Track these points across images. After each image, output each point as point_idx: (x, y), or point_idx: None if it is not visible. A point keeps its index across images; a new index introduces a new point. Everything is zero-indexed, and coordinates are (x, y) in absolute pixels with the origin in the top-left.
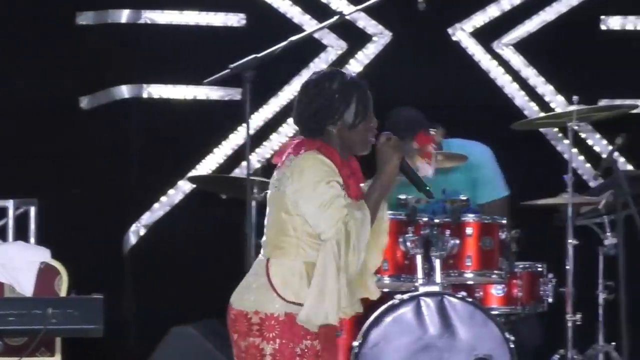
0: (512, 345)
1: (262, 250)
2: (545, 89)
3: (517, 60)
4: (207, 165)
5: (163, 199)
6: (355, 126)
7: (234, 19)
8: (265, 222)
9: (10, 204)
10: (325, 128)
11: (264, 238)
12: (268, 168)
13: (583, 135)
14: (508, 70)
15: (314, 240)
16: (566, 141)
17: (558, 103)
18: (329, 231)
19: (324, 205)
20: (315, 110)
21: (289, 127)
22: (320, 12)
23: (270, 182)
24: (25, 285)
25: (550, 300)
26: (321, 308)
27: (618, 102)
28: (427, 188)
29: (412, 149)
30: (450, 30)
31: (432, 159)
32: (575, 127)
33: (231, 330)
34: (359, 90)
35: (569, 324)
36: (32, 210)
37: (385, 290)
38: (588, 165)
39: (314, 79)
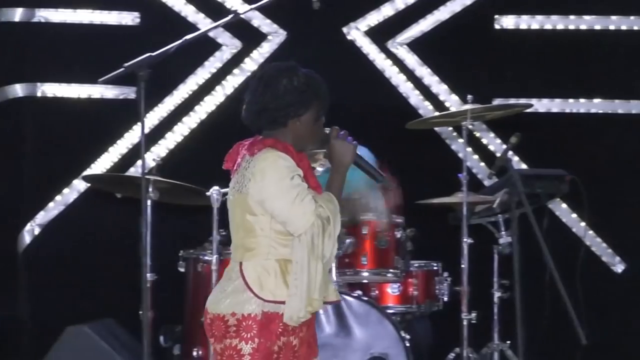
0: (407, 344)
1: (232, 256)
2: (440, 88)
3: (411, 60)
4: (102, 164)
5: (58, 198)
6: (318, 120)
7: (128, 18)
8: (230, 227)
9: None
10: (288, 122)
11: (232, 243)
12: (163, 167)
13: (477, 134)
14: (402, 70)
15: (284, 237)
16: (461, 140)
17: (452, 102)
18: (304, 226)
19: (294, 201)
20: (287, 104)
21: (183, 126)
22: (215, 10)
23: (230, 186)
24: None
25: (445, 299)
26: (302, 304)
27: (512, 101)
28: (383, 176)
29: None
30: (344, 29)
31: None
32: (470, 126)
33: (208, 335)
34: (323, 85)
35: (464, 323)
36: None
37: None
38: (482, 164)
39: (280, 72)
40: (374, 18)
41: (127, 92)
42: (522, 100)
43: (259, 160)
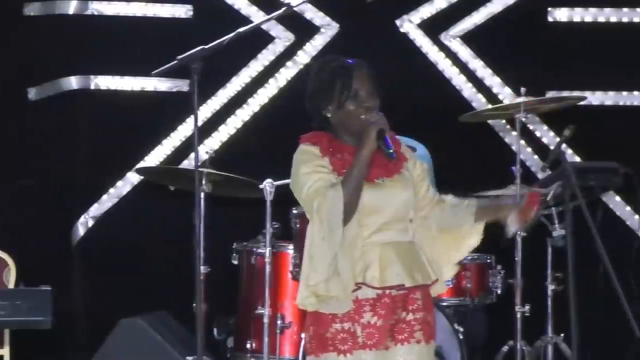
0: (461, 337)
1: None
2: (493, 81)
3: (464, 52)
4: (155, 157)
5: (111, 190)
6: (342, 106)
7: (181, 10)
8: None
9: None
10: (321, 113)
11: None
12: (216, 160)
13: (531, 127)
14: (455, 62)
15: None
16: (514, 133)
17: (505, 95)
18: (307, 211)
19: (299, 189)
20: (309, 96)
21: (236, 119)
22: (268, 3)
23: None
24: None
25: (499, 291)
26: (301, 290)
27: (565, 93)
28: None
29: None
30: (397, 22)
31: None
32: (523, 119)
33: None
34: (341, 71)
35: (518, 315)
36: None
37: None
38: (536, 156)
39: (310, 67)
40: (427, 11)
41: (180, 85)
42: (576, 93)
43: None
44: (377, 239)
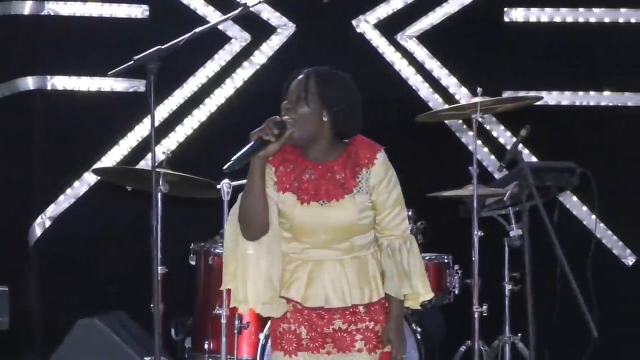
0: (419, 337)
1: None
2: (450, 81)
3: (421, 53)
4: (112, 157)
5: (68, 191)
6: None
7: (138, 11)
8: None
9: None
10: None
11: None
12: (173, 160)
13: (488, 127)
14: (412, 63)
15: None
16: (471, 133)
17: (462, 95)
18: None
19: None
20: None
21: (193, 119)
22: (224, 3)
23: None
24: None
25: (456, 291)
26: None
27: (522, 94)
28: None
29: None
30: (354, 22)
31: None
32: (480, 119)
33: None
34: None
35: (476, 316)
36: None
37: None
38: (493, 157)
39: None
40: (383, 11)
41: (137, 86)
42: (532, 93)
43: None
44: (312, 256)
